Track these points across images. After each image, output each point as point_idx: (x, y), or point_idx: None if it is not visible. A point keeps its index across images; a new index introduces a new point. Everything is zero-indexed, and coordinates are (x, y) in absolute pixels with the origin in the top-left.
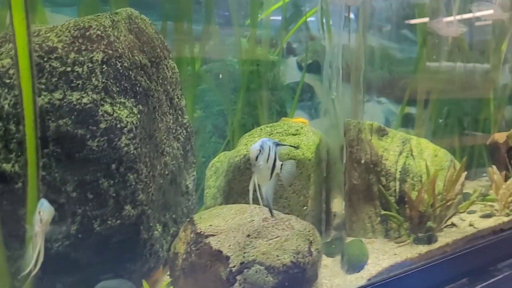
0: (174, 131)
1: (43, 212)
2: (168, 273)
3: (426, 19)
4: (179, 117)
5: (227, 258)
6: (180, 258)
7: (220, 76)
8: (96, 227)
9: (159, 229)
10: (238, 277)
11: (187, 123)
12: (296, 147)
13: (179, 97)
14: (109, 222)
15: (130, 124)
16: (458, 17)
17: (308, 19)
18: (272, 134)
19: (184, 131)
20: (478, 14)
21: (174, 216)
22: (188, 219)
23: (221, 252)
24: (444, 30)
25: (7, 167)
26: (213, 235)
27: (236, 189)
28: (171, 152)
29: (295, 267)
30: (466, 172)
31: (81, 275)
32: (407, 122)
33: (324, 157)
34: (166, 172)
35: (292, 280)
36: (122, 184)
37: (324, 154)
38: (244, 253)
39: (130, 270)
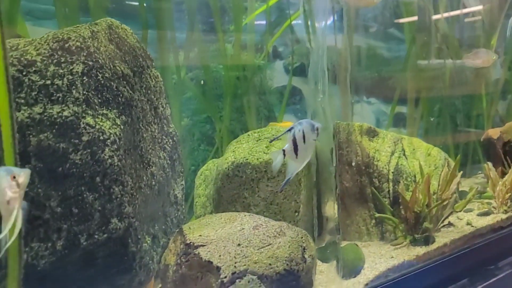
0: (159, 140)
1: (18, 175)
2: (160, 286)
3: (414, 18)
4: (165, 126)
5: (218, 268)
6: (171, 270)
7: (202, 82)
8: (82, 242)
9: (149, 241)
10: None
11: (173, 132)
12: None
13: (164, 106)
14: (95, 236)
15: (113, 136)
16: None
17: (293, 22)
18: (260, 139)
19: (170, 140)
20: (466, 10)
21: (163, 227)
22: (177, 230)
23: (211, 262)
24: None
25: None
26: (203, 245)
27: (225, 196)
28: (157, 162)
29: (288, 275)
30: (461, 172)
31: None
32: (398, 121)
33: (314, 161)
34: (153, 182)
35: None
36: (108, 197)
37: (314, 158)
38: (235, 263)
39: (120, 285)
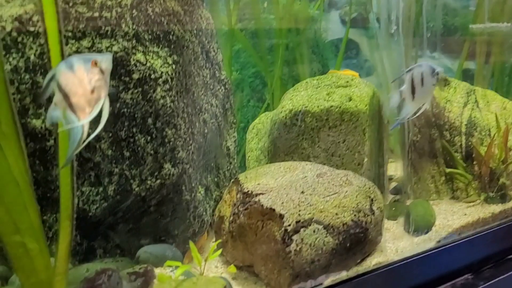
0: (211, 87)
1: (100, 60)
2: (214, 240)
3: None
4: (216, 72)
5: (281, 216)
6: (227, 222)
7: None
8: (134, 187)
9: (202, 192)
10: (294, 237)
11: (225, 80)
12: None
13: (215, 51)
14: (148, 182)
15: (165, 75)
16: None
17: None
18: (319, 87)
19: (222, 87)
20: None
21: (216, 179)
22: (232, 180)
23: (273, 210)
24: None
25: (37, 123)
26: (263, 194)
27: (282, 147)
28: (210, 109)
29: (356, 227)
30: None
31: (122, 240)
32: (465, 78)
33: (377, 113)
34: (206, 130)
35: (354, 241)
36: (160, 140)
37: (378, 110)
38: (300, 211)
39: (173, 235)
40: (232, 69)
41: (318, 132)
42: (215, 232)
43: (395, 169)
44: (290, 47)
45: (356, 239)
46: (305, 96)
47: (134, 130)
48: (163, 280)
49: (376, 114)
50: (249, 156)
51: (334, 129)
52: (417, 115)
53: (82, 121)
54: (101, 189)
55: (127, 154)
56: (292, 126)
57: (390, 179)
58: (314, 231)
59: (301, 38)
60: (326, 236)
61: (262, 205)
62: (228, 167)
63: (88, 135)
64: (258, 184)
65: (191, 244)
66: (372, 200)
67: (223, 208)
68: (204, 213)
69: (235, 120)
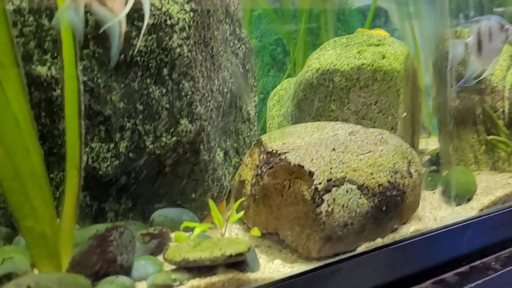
0: (231, 44)
1: None
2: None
3: None
4: (237, 29)
5: (311, 174)
6: (248, 185)
7: None
8: (148, 144)
9: (221, 155)
10: (325, 197)
11: (245, 38)
12: None
13: (236, 6)
14: (163, 139)
15: (182, 22)
16: None
17: None
18: (349, 45)
19: (242, 46)
20: None
21: (235, 145)
22: (254, 143)
23: (302, 167)
24: None
25: (42, 70)
26: (289, 152)
27: (308, 110)
28: (230, 67)
29: (393, 189)
30: None
31: (134, 202)
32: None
33: (412, 77)
34: (225, 89)
35: (390, 205)
36: (177, 93)
37: (413, 74)
38: (331, 168)
39: (190, 199)
40: (251, 36)
41: (347, 93)
42: (235, 198)
43: (426, 144)
44: (314, 13)
45: (393, 203)
46: (334, 54)
47: (148, 81)
48: (180, 240)
49: (411, 78)
50: (270, 124)
51: (366, 89)
52: (480, 78)
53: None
54: (112, 145)
55: (140, 107)
56: (319, 87)
57: (422, 153)
58: (347, 191)
59: (325, 4)
60: (360, 198)
61: (289, 162)
62: (248, 133)
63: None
64: (284, 143)
65: (211, 202)
66: (409, 162)
67: (244, 172)
68: (223, 177)
69: (255, 83)
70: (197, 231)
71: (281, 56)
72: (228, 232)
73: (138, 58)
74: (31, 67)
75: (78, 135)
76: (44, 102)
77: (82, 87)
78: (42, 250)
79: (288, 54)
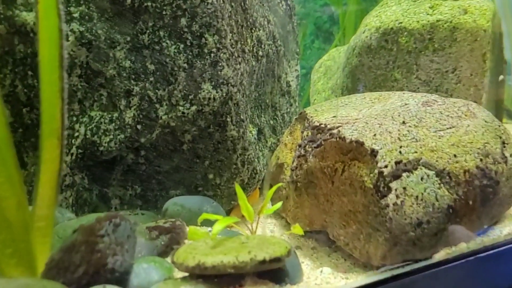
0: None
1: None
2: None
3: None
4: None
5: (374, 153)
6: (288, 170)
7: None
8: (161, 114)
9: (253, 133)
10: (393, 185)
11: None
12: None
13: None
14: (180, 107)
15: None
16: None
17: None
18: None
19: (283, 2)
20: None
21: (272, 122)
22: (296, 117)
23: (361, 144)
24: None
25: (28, 17)
26: (343, 125)
27: (365, 79)
28: (267, 26)
29: (483, 177)
30: None
31: (144, 187)
32: None
33: (498, 43)
34: (260, 52)
35: (479, 198)
36: (198, 49)
37: (499, 40)
38: (401, 147)
39: (213, 184)
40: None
41: (416, 57)
42: (271, 187)
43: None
44: None
45: (483, 196)
46: (399, 10)
47: (161, 33)
48: (195, 236)
49: (497, 44)
50: (314, 100)
51: (441, 53)
52: None
53: None
54: (116, 115)
55: (151, 67)
56: (379, 50)
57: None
58: (422, 179)
59: None
60: (439, 187)
61: (344, 138)
62: (288, 109)
63: None
64: (334, 117)
65: (238, 189)
66: (504, 143)
67: (282, 154)
68: (256, 160)
69: (298, 50)
70: (218, 226)
71: (327, 25)
72: (260, 229)
73: (149, 4)
74: (14, 12)
75: (59, 90)
76: (30, 57)
77: (64, 26)
78: (6, 246)
79: (337, 22)
